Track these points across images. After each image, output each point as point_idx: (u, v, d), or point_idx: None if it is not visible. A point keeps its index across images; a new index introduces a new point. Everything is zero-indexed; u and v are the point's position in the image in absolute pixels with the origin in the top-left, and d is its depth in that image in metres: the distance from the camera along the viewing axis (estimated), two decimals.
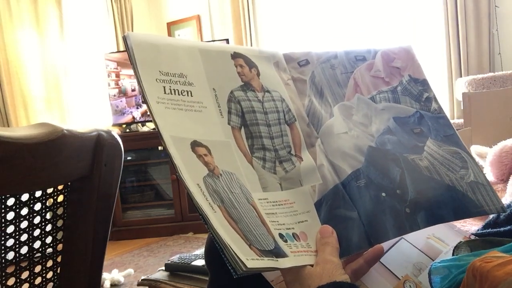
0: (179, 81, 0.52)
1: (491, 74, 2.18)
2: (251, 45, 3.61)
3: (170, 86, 0.50)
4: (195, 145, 0.48)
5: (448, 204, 0.53)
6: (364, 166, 0.55)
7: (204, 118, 0.51)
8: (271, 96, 0.58)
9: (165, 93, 0.50)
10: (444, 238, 0.59)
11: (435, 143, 0.58)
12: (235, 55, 0.57)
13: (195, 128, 0.50)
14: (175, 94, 0.50)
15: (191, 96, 0.52)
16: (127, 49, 0.49)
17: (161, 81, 0.50)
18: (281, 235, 0.48)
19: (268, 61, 0.61)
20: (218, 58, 0.56)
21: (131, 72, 3.44)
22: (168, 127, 0.48)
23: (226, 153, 0.51)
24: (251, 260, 0.42)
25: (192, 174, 0.46)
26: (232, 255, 0.41)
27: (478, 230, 0.62)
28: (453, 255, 0.51)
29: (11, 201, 0.54)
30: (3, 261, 0.54)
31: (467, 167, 0.56)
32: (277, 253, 0.46)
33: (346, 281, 0.45)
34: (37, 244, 0.59)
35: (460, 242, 0.52)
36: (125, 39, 0.50)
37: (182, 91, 0.51)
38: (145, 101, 0.48)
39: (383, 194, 0.53)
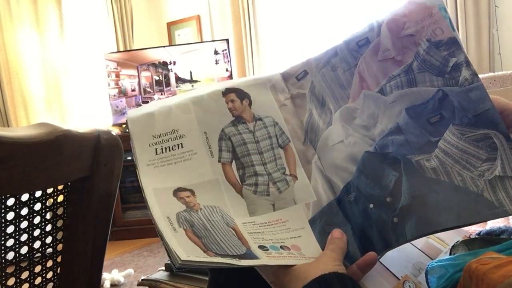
0: (171, 138, 0.57)
1: (491, 74, 2.17)
2: (251, 45, 3.62)
3: (162, 146, 0.56)
4: (178, 190, 0.52)
5: (452, 208, 0.48)
6: (354, 177, 0.54)
7: (193, 165, 0.56)
8: (263, 123, 0.60)
9: (156, 154, 0.55)
10: (444, 237, 0.58)
11: (457, 131, 0.50)
12: (227, 91, 0.60)
13: (182, 176, 0.54)
14: (166, 151, 0.56)
15: (182, 147, 0.56)
16: (126, 124, 0.55)
17: (153, 144, 0.56)
18: (262, 246, 0.49)
19: (263, 87, 0.62)
20: (210, 100, 0.59)
21: (131, 72, 3.44)
22: (153, 183, 0.52)
23: (212, 191, 0.54)
24: (192, 256, 0.44)
25: (163, 210, 0.49)
26: (170, 249, 0.44)
27: (481, 232, 0.61)
28: (450, 254, 0.51)
29: (11, 201, 0.54)
30: (3, 261, 0.54)
31: (494, 158, 0.48)
32: (244, 257, 0.47)
33: (342, 272, 0.46)
34: (37, 244, 0.59)
35: (458, 241, 0.52)
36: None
37: (173, 146, 0.56)
38: (135, 166, 0.54)
39: (371, 205, 0.52)
